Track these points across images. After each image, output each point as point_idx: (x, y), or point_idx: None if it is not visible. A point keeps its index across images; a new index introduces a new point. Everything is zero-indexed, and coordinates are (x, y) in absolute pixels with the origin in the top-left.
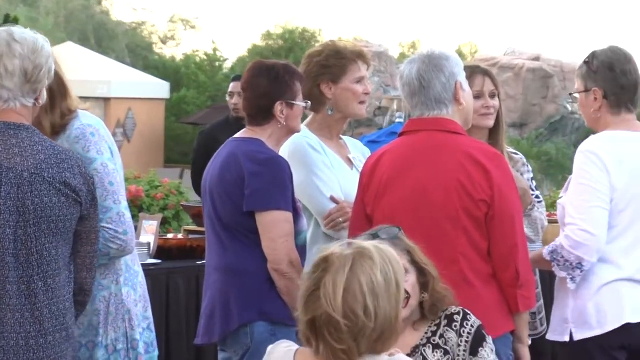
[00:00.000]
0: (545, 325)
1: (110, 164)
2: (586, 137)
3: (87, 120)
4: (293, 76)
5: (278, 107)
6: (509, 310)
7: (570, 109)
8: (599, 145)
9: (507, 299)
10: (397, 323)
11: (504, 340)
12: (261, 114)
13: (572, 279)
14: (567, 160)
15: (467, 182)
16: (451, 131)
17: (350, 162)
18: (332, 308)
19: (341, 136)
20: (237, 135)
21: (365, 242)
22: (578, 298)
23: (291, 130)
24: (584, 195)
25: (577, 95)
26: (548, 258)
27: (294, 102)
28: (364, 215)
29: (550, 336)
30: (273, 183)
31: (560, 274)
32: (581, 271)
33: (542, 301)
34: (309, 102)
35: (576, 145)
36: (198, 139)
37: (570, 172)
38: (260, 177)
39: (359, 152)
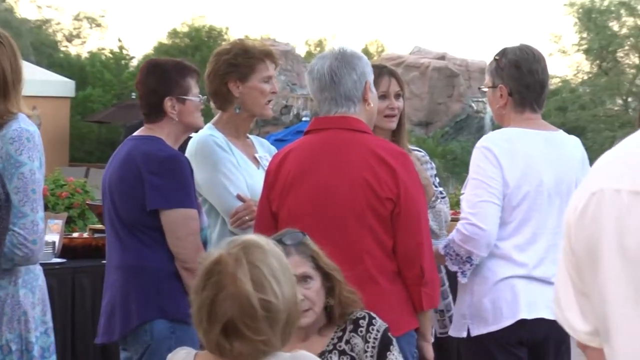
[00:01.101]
0: None
1: (38, 173)
2: None
3: (26, 124)
4: (182, 72)
5: (167, 102)
6: (413, 309)
7: (475, 107)
8: (494, 141)
9: (411, 297)
10: (297, 306)
11: (408, 339)
12: (153, 110)
13: (462, 272)
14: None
15: (373, 180)
16: (358, 130)
17: (257, 161)
18: (247, 301)
19: (248, 135)
20: (136, 133)
21: (247, 235)
22: (474, 294)
23: (188, 126)
24: (476, 190)
25: (486, 89)
26: (442, 252)
27: (185, 97)
28: (270, 213)
29: (451, 332)
30: (176, 181)
31: (452, 267)
32: (471, 265)
33: (450, 298)
34: (203, 96)
35: (474, 142)
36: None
37: None
38: (162, 175)
39: (266, 151)
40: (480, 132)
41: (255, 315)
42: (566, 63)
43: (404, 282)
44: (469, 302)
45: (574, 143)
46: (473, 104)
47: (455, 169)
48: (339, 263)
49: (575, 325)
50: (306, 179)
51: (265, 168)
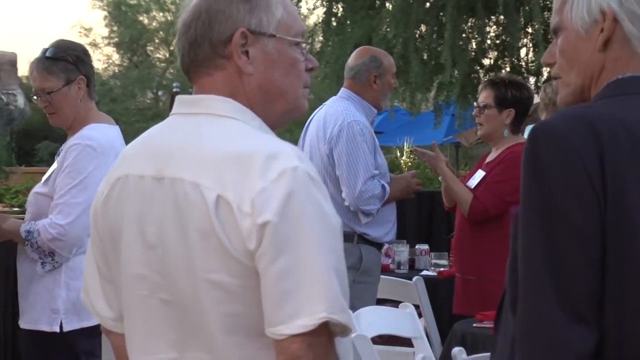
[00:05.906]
0: None
1: None
2: (25, 127)
3: None
4: None
5: None
6: None
7: (5, 100)
8: (95, 139)
9: None
10: None
11: None
12: None
13: (42, 264)
14: (1, 150)
15: None
16: None
17: None
18: None
19: None
20: None
21: None
22: (72, 289)
23: None
24: (73, 191)
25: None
26: (23, 235)
27: None
28: None
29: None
30: None
31: (31, 254)
32: (52, 259)
33: None
34: None
35: (5, 136)
36: None
37: (5, 163)
38: None
39: None
40: (10, 124)
41: None
42: (97, 56)
43: None
44: (64, 297)
45: None
46: (3, 97)
47: None
48: None
49: (101, 311)
50: None
51: None
